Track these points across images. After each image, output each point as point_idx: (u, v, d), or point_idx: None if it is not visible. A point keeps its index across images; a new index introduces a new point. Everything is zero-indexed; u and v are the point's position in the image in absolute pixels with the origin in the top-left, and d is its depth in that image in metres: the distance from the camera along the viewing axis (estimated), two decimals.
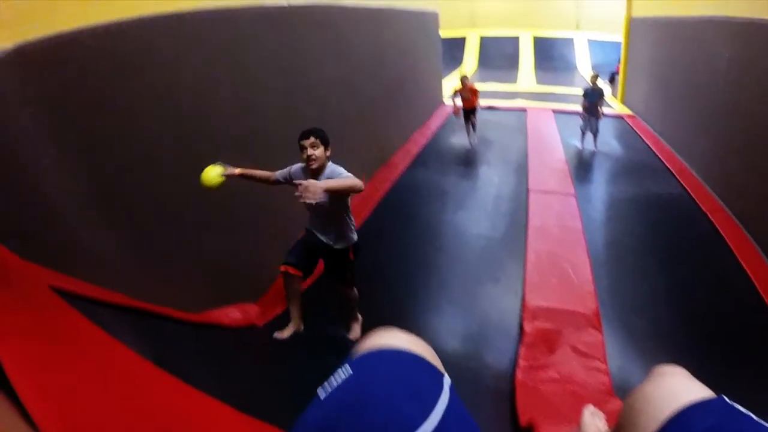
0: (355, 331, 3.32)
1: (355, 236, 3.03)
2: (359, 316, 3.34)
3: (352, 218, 3.00)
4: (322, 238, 2.96)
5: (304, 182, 2.33)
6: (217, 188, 2.62)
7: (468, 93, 7.58)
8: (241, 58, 3.54)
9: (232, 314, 3.21)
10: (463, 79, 7.62)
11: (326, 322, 3.39)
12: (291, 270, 2.94)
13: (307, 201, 2.29)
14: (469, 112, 7.77)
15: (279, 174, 2.95)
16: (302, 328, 3.07)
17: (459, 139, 8.23)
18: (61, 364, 1.38)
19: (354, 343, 3.18)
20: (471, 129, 7.96)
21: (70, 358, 1.46)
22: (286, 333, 3.03)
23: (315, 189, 2.32)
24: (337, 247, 2.96)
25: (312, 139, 2.72)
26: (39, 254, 1.96)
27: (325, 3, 4.94)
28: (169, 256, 2.97)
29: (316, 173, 2.78)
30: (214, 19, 3.26)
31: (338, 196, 2.73)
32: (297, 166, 2.89)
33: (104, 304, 2.11)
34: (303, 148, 2.73)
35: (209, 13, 3.21)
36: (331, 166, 2.80)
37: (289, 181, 2.90)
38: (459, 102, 7.64)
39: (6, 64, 1.99)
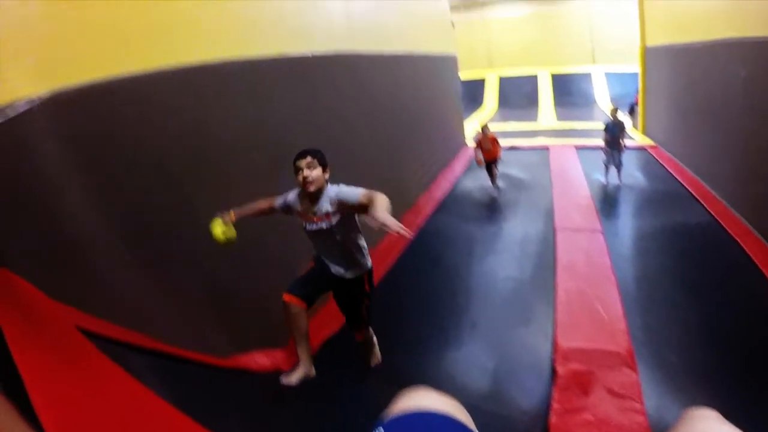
0: (376, 356, 3.22)
1: (369, 262, 2.81)
2: (375, 341, 3.22)
3: (364, 241, 2.78)
4: (332, 267, 2.74)
5: (379, 219, 2.08)
6: (233, 240, 2.59)
7: (489, 143, 7.44)
8: (266, 104, 3.72)
9: (259, 359, 3.20)
10: (484, 128, 7.54)
11: (340, 362, 3.40)
12: (294, 301, 2.64)
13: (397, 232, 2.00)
14: (490, 162, 7.63)
15: (278, 203, 2.77)
16: (313, 372, 2.76)
17: (483, 182, 8.28)
18: (82, 402, 1.43)
19: (376, 370, 3.18)
20: (493, 180, 7.83)
21: (91, 396, 1.52)
22: (294, 378, 2.70)
23: (386, 217, 2.10)
24: (349, 276, 2.76)
25: (308, 159, 2.50)
26: (64, 291, 2.06)
27: (346, 52, 5.15)
28: (196, 297, 3.01)
29: (315, 197, 2.57)
30: (241, 70, 3.46)
31: (346, 219, 2.58)
32: (293, 193, 2.70)
33: (129, 345, 2.17)
34: (298, 170, 2.50)
35: (236, 64, 3.40)
36: (332, 188, 2.58)
37: (287, 210, 2.74)
38: (480, 156, 7.51)
39: (42, 109, 2.17)
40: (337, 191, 2.54)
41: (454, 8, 13.75)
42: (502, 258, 5.41)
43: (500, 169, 7.94)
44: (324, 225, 2.60)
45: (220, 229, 2.57)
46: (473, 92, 18.52)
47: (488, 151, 7.49)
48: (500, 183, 7.98)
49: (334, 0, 5.09)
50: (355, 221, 2.67)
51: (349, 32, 5.35)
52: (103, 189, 2.50)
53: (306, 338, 2.74)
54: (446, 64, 10.18)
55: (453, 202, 7.62)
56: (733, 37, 5.78)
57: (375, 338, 3.24)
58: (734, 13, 5.81)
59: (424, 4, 8.94)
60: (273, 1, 4.01)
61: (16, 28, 2.15)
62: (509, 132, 12.68)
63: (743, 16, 5.50)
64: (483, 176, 8.10)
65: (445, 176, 8.81)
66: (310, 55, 4.39)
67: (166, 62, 2.85)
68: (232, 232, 2.60)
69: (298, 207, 2.68)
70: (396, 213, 6.09)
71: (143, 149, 2.72)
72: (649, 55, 10.77)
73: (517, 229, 6.24)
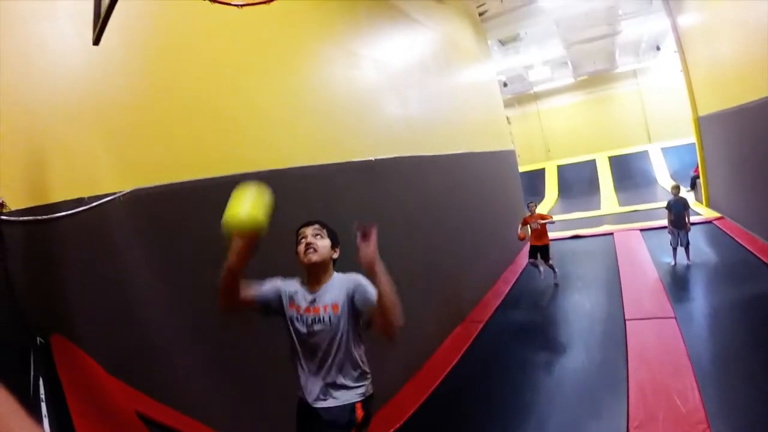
0: None
1: (370, 387, 2.16)
2: None
3: (364, 359, 2.16)
4: (313, 397, 2.06)
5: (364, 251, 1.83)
6: (260, 223, 1.82)
7: (536, 221, 7.35)
8: (335, 206, 3.99)
9: None
10: (530, 206, 7.48)
11: None
12: None
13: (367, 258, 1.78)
14: (538, 249, 7.49)
15: (266, 290, 2.12)
16: None
17: (546, 273, 8.23)
18: None
19: None
20: (551, 270, 7.64)
21: None
22: None
23: (371, 253, 1.84)
24: (333, 405, 2.03)
25: (316, 227, 2.09)
26: (129, 372, 2.22)
27: (407, 155, 5.55)
28: (269, 400, 2.97)
29: (316, 276, 2.09)
30: (312, 174, 3.81)
31: (353, 320, 2.06)
32: (291, 281, 2.20)
33: None
34: (301, 239, 2.06)
35: (307, 169, 3.76)
36: (340, 276, 2.12)
37: (278, 305, 2.12)
38: (523, 232, 7.48)
39: (122, 203, 2.48)
40: (357, 283, 2.05)
41: (508, 104, 14.46)
42: (571, 350, 5.40)
43: (564, 257, 7.85)
44: (325, 317, 2.04)
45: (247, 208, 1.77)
46: (533, 183, 18.86)
47: (537, 231, 7.41)
48: (557, 279, 7.73)
49: (396, 110, 5.65)
50: (359, 330, 2.13)
51: (409, 137, 5.80)
52: (172, 278, 2.65)
53: None
54: (505, 158, 10.48)
55: (518, 295, 7.67)
56: None
57: None
58: None
59: (480, 105, 9.51)
60: (340, 119, 4.51)
61: (107, 132, 2.50)
62: (573, 220, 12.72)
63: None
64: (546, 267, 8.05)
65: (510, 270, 8.88)
66: (373, 159, 4.84)
67: (242, 170, 3.13)
68: (262, 213, 1.81)
69: (296, 296, 2.14)
70: (463, 310, 6.05)
71: (213, 246, 2.84)
72: (702, 124, 10.73)
73: (584, 319, 6.21)
